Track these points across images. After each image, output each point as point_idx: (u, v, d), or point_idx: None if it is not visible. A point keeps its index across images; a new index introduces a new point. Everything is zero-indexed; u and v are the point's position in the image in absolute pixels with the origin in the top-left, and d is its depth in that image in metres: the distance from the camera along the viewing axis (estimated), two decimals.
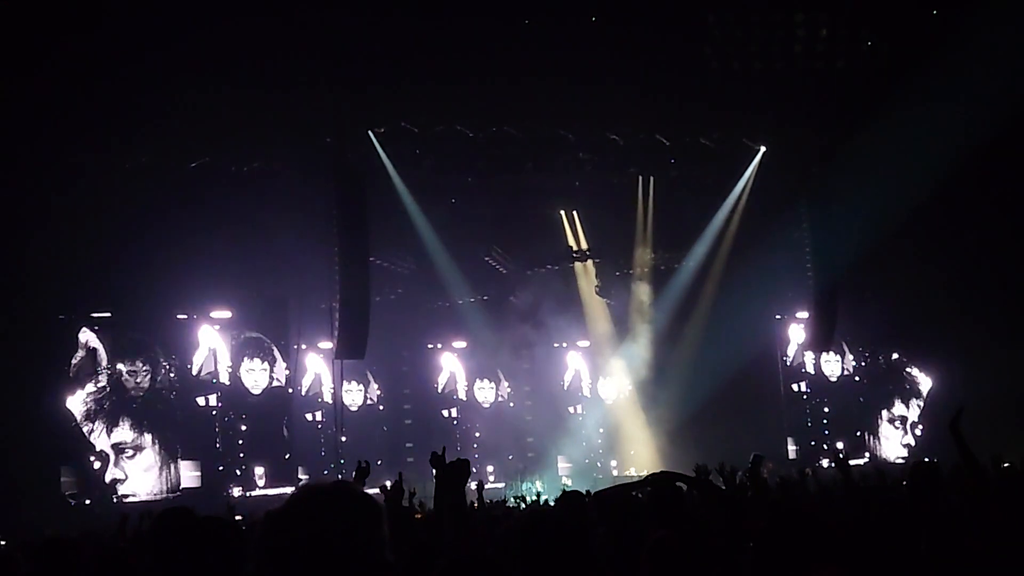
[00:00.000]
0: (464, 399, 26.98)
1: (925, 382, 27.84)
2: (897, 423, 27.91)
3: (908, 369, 28.00)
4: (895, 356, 28.00)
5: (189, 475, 21.51)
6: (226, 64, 17.44)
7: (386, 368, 25.94)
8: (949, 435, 6.37)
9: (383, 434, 25.51)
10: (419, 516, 8.82)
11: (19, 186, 18.17)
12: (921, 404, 27.82)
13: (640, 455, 26.15)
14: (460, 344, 27.03)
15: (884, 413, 27.90)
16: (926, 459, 12.22)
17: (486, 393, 27.31)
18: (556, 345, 27.57)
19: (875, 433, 27.75)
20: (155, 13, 16.52)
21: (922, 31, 19.79)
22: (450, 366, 27.08)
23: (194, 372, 21.99)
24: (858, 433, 27.03)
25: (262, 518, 2.63)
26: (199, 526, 3.82)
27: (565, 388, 27.93)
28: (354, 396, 25.09)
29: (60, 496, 20.00)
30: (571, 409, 27.75)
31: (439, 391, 26.78)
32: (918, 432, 27.57)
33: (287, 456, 22.77)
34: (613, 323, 27.43)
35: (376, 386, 25.92)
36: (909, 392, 27.98)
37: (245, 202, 21.26)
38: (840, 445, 26.14)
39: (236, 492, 21.30)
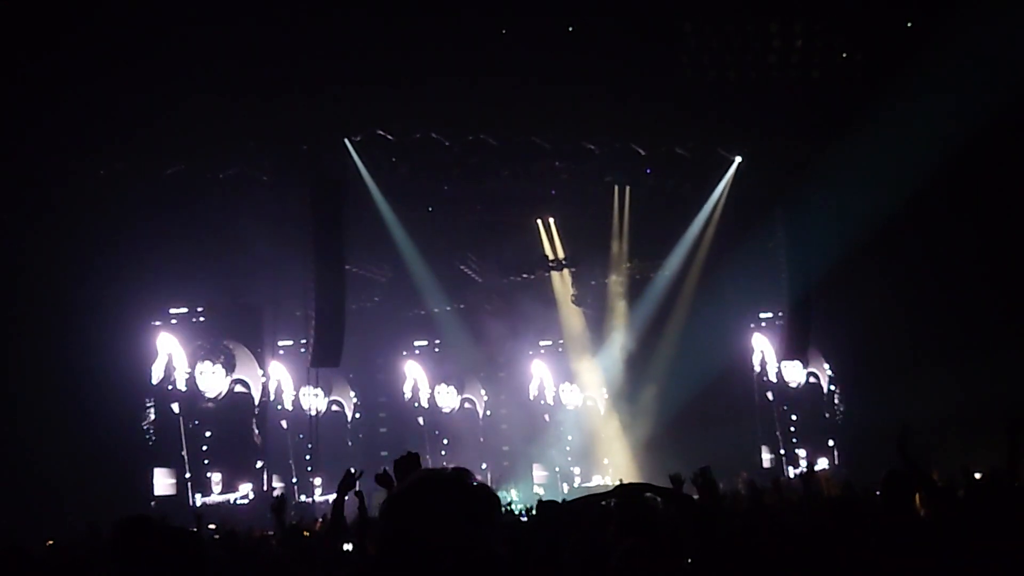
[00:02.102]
0: (426, 406, 26.88)
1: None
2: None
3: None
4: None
5: (164, 483, 21.44)
6: (201, 71, 17.36)
7: (361, 376, 25.85)
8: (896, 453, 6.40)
9: (356, 441, 25.45)
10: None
11: None
12: None
13: (615, 464, 26.14)
14: (422, 344, 26.94)
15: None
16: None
17: (445, 398, 27.20)
18: (529, 353, 27.61)
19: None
20: (130, 21, 16.44)
21: (897, 42, 19.90)
22: (412, 372, 26.98)
23: (153, 380, 21.90)
24: (830, 443, 26.92)
25: (384, 501, 2.65)
26: (158, 535, 3.79)
27: (531, 397, 27.91)
28: (311, 401, 24.68)
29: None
30: (546, 417, 27.73)
31: (405, 398, 26.69)
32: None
33: (259, 464, 22.66)
34: (589, 331, 27.46)
35: (353, 393, 25.84)
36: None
37: (220, 209, 21.18)
38: (803, 453, 26.12)
39: (198, 499, 21.27)
